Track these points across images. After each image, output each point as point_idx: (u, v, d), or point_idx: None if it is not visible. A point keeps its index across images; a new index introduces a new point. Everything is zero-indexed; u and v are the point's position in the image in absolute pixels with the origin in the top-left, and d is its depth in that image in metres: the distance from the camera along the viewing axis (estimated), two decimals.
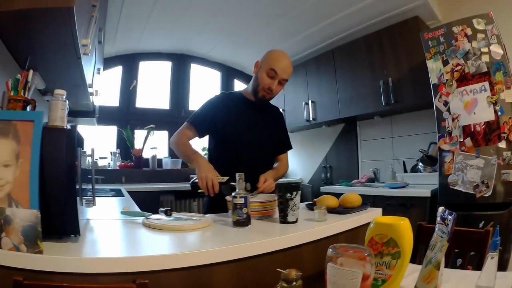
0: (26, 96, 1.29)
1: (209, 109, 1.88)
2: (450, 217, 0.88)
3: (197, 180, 1.60)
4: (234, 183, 1.39)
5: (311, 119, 4.27)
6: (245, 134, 1.84)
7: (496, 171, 2.27)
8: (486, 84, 2.35)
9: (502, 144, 2.27)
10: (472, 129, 2.39)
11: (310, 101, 4.28)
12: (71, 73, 2.19)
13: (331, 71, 4.00)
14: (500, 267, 0.87)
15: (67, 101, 1.17)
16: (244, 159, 1.81)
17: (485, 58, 2.37)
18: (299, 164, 4.91)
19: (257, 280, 1.07)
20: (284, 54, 1.82)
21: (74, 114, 3.40)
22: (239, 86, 5.47)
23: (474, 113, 2.39)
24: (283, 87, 1.84)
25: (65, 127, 1.13)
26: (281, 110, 2.14)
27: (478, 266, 1.12)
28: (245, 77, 5.40)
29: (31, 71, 1.34)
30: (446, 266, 0.95)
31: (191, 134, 1.85)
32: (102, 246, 1.08)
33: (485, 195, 2.30)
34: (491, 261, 0.85)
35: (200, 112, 1.89)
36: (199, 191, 1.61)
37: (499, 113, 2.29)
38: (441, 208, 0.93)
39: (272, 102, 2.02)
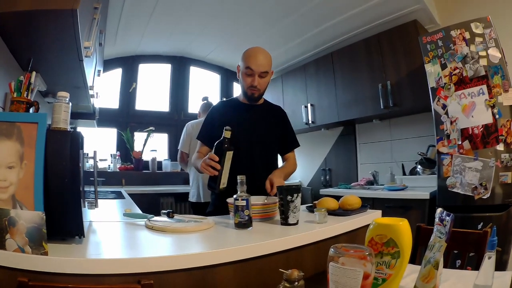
0: (28, 97, 1.29)
1: (210, 121, 1.97)
2: (448, 218, 0.89)
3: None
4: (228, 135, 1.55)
5: (310, 122, 4.27)
6: (244, 136, 1.86)
7: (494, 173, 2.29)
8: (484, 87, 2.36)
9: (500, 147, 2.29)
10: (470, 132, 2.40)
11: (309, 104, 4.28)
12: (72, 75, 2.21)
13: (330, 74, 4.01)
14: (499, 267, 0.89)
15: (70, 103, 1.18)
16: (245, 160, 1.83)
17: (483, 62, 2.38)
18: (298, 166, 4.85)
19: (259, 280, 1.09)
20: (257, 48, 1.84)
21: (75, 116, 3.41)
22: (238, 88, 5.46)
23: (472, 116, 2.41)
24: (267, 79, 1.86)
25: (68, 129, 1.14)
26: None
27: (477, 267, 1.13)
28: None
29: (34, 73, 1.34)
30: (445, 267, 0.96)
31: (204, 149, 1.93)
32: (106, 247, 1.09)
33: (483, 197, 2.31)
34: (489, 260, 0.86)
35: (203, 127, 1.99)
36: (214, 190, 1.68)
37: (497, 116, 2.31)
38: (439, 210, 0.95)
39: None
